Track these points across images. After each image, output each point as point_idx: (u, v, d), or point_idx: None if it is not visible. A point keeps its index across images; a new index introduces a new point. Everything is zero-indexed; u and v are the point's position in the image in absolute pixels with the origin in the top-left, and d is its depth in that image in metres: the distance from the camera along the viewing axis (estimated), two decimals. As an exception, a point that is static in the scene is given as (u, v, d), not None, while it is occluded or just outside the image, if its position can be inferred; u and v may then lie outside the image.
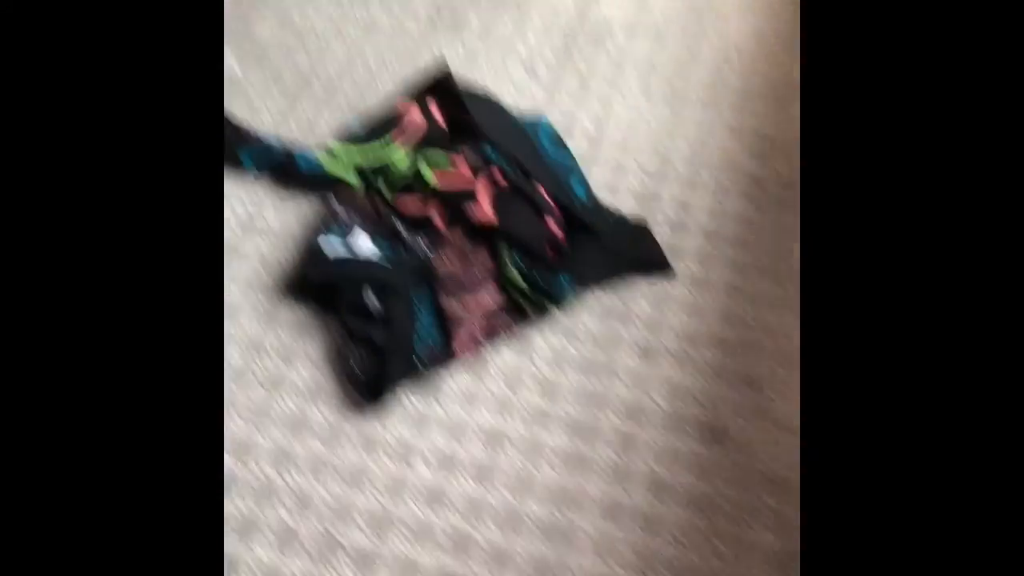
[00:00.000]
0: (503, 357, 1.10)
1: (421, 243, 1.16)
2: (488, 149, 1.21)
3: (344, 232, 1.15)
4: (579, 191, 1.24)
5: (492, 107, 1.32)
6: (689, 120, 1.36)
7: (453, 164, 1.20)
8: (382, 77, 1.40)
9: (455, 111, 1.29)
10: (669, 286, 1.17)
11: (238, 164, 1.26)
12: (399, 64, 1.42)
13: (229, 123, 1.30)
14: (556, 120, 1.35)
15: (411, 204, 1.19)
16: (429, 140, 1.26)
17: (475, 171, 1.19)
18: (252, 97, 1.37)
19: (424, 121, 1.28)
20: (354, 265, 1.12)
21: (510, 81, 1.41)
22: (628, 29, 1.49)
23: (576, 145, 1.32)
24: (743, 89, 1.40)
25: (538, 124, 1.31)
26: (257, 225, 1.22)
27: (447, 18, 1.49)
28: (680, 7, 1.53)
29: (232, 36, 1.45)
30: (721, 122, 1.36)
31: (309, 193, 1.25)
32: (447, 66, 1.38)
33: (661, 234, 1.21)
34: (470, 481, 1.01)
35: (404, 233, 1.17)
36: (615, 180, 1.29)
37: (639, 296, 1.15)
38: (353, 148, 1.26)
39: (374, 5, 1.51)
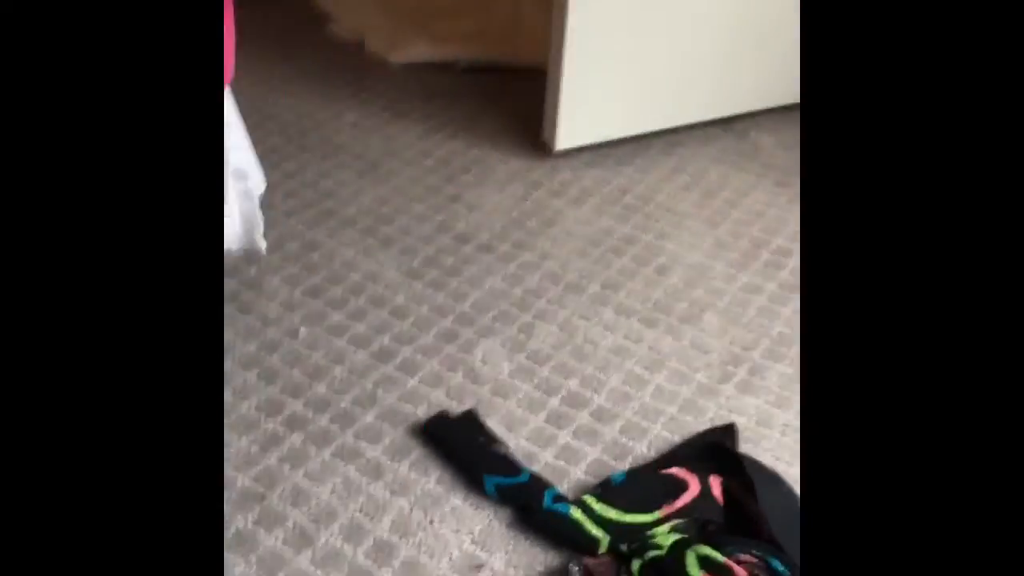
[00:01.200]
0: None
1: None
2: (774, 561, 0.99)
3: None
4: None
5: (783, 496, 1.11)
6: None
7: (726, 567, 0.99)
8: (660, 418, 1.24)
9: (739, 493, 1.09)
10: None
11: (480, 488, 1.13)
12: (682, 411, 1.26)
13: (480, 440, 1.19)
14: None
15: (667, 602, 0.98)
16: (703, 522, 1.06)
17: (751, 582, 0.97)
18: (516, 409, 1.25)
19: (700, 496, 1.09)
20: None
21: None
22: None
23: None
24: None
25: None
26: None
27: (743, 372, 1.33)
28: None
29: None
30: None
31: (548, 543, 1.08)
32: (735, 431, 1.20)
33: None
34: None
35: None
36: None
37: None
38: (611, 510, 1.08)
39: (665, 339, 1.39)
